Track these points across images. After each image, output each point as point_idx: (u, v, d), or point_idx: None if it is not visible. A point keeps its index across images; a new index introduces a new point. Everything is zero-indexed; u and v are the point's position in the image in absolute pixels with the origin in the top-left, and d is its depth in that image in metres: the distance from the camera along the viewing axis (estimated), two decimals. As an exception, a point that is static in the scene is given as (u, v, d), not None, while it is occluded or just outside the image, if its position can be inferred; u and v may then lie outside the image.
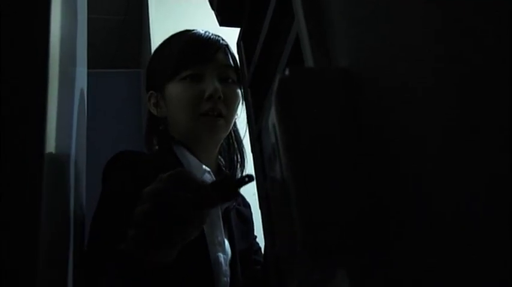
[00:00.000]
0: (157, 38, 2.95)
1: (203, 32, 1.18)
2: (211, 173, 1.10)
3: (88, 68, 1.70)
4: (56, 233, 0.77)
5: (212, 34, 1.18)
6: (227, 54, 1.16)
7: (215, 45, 1.15)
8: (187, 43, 1.15)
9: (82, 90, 1.29)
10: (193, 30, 1.19)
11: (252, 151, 0.91)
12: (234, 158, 1.22)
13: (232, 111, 1.14)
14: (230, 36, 1.12)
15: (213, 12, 1.03)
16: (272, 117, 0.48)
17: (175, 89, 1.12)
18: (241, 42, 0.96)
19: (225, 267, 1.05)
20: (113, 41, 3.76)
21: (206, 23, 2.33)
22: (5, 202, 0.62)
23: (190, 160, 1.09)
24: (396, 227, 0.43)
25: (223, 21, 1.01)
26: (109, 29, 3.65)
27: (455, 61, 0.34)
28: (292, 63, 0.66)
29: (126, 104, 3.19)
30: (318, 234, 0.44)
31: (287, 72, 0.47)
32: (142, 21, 3.40)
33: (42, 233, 0.62)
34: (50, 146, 0.70)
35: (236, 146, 1.23)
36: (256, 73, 0.87)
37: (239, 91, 1.15)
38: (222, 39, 1.18)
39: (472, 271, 0.34)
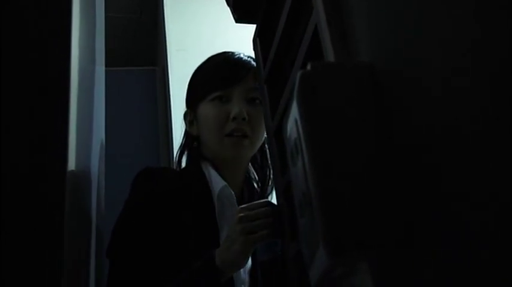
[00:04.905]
0: (172, 35, 2.96)
1: (236, 54, 1.24)
2: (229, 186, 1.14)
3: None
4: (78, 235, 0.78)
5: (244, 56, 1.23)
6: (256, 76, 1.16)
7: (244, 67, 1.20)
8: (217, 66, 1.22)
9: (100, 88, 1.31)
10: (228, 52, 1.26)
11: (269, 147, 0.91)
12: (266, 173, 1.27)
13: (258, 132, 1.17)
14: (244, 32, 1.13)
15: (228, 9, 1.03)
16: (294, 112, 0.48)
17: (204, 110, 1.19)
18: (258, 39, 0.96)
19: (244, 275, 1.10)
20: (128, 38, 3.78)
21: (222, 20, 2.34)
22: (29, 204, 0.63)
23: (212, 175, 1.15)
24: (419, 224, 0.43)
25: (239, 18, 1.01)
26: (124, 27, 3.67)
27: (486, 56, 0.34)
28: (309, 59, 0.66)
29: (141, 102, 3.20)
30: (339, 230, 0.44)
31: (309, 67, 0.47)
32: (158, 18, 3.41)
33: (66, 242, 0.63)
34: (72, 145, 0.71)
35: (269, 162, 1.25)
36: (272, 69, 0.87)
37: None
38: (254, 60, 1.19)
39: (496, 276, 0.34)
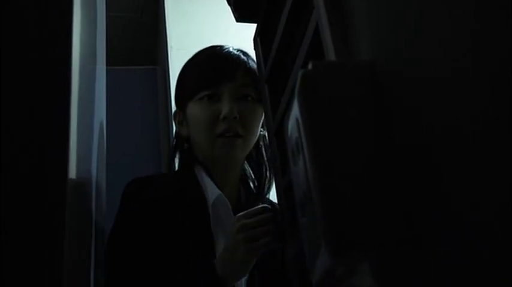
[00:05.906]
0: (173, 35, 2.96)
1: (225, 48, 1.17)
2: (223, 195, 1.09)
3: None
4: (79, 237, 0.78)
5: (233, 50, 1.16)
6: (247, 71, 1.13)
7: (234, 63, 1.13)
8: (205, 62, 1.15)
9: (101, 87, 1.31)
10: (216, 46, 1.19)
11: (270, 147, 0.91)
12: (263, 171, 1.21)
13: (250, 130, 1.12)
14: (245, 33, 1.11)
15: (229, 8, 1.03)
16: (295, 112, 0.48)
17: (193, 109, 1.12)
18: (258, 38, 0.96)
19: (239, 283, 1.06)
20: (129, 38, 3.78)
21: (222, 19, 2.34)
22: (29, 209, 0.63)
23: (206, 182, 1.10)
24: (419, 225, 0.43)
25: (239, 17, 1.01)
26: (125, 26, 3.68)
27: (486, 56, 0.34)
28: (310, 58, 0.66)
29: (142, 101, 3.21)
30: (340, 230, 0.44)
31: (310, 66, 0.47)
32: (158, 17, 3.41)
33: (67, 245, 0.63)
34: (72, 145, 0.71)
35: (266, 160, 1.20)
36: (273, 69, 0.87)
37: (259, 109, 1.12)
38: (244, 54, 1.15)
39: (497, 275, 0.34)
